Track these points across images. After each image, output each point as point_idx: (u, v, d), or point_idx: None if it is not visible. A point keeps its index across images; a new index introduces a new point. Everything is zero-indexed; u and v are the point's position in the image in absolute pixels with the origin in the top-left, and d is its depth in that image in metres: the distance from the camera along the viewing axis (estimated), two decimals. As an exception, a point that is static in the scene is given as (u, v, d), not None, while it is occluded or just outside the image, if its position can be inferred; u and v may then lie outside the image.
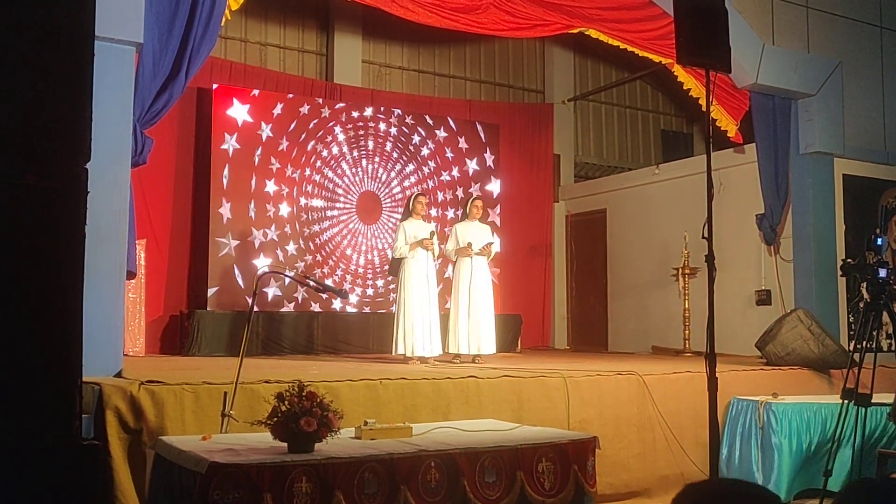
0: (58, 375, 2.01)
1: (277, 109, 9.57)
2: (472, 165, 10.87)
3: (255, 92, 9.49)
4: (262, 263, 9.21)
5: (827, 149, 8.44)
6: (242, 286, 9.07)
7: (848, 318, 8.37)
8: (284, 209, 9.53)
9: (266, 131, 9.46)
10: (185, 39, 5.90)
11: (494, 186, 11.00)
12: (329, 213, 9.87)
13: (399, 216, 9.69)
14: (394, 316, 7.67)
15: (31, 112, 1.98)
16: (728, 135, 8.82)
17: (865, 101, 8.86)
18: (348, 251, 9.95)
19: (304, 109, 9.75)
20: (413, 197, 7.85)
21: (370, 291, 10.00)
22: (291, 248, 9.54)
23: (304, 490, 3.27)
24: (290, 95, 9.75)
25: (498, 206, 10.98)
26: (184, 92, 6.23)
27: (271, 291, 9.28)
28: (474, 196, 8.25)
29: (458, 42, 11.37)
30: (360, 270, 10.00)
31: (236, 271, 9.12)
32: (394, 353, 7.51)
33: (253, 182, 9.32)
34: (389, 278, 9.61)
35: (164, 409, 4.42)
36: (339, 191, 9.96)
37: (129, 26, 5.30)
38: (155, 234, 8.86)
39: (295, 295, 9.44)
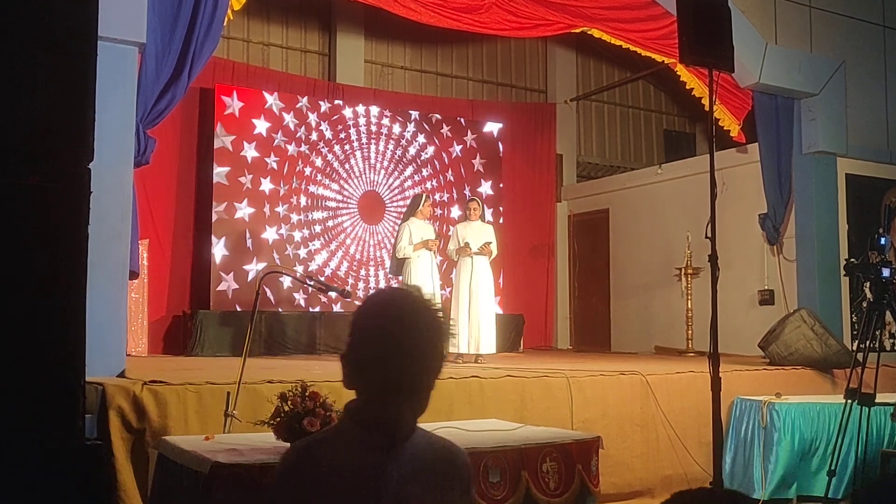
0: (61, 376, 2.01)
1: (279, 109, 9.57)
2: (475, 165, 10.87)
3: (258, 92, 9.49)
4: (264, 263, 9.21)
5: (830, 148, 8.43)
6: (245, 286, 9.07)
7: (851, 317, 8.36)
8: (287, 209, 9.53)
9: (268, 131, 9.46)
10: (187, 40, 5.91)
11: (497, 186, 11.00)
12: (331, 213, 9.87)
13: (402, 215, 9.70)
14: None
15: (34, 113, 1.99)
16: (731, 134, 8.81)
17: (868, 100, 8.84)
18: (351, 250, 9.95)
19: (307, 109, 9.76)
20: (422, 197, 7.85)
21: (372, 290, 9.98)
22: (294, 247, 9.54)
23: (307, 490, 3.26)
24: (293, 95, 9.75)
25: (500, 206, 10.98)
26: (186, 92, 6.23)
27: (274, 291, 9.28)
28: (470, 197, 8.28)
29: (461, 42, 11.37)
30: (363, 270, 10.00)
31: (239, 271, 9.13)
32: None
33: (255, 182, 9.33)
34: (391, 277, 9.61)
35: (167, 409, 4.42)
36: (342, 191, 9.96)
37: (131, 27, 5.31)
38: (158, 234, 8.86)
39: (297, 295, 9.44)
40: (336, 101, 10.04)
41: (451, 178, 10.71)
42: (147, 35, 5.47)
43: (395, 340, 1.58)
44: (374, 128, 10.21)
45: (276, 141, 9.50)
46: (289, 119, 9.61)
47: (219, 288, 8.98)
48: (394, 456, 1.59)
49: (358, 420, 1.62)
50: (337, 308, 9.63)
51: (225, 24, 6.24)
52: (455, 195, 10.69)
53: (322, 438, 1.69)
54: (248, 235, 9.25)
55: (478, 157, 10.89)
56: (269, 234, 9.39)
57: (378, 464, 1.57)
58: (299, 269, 9.39)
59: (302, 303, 9.47)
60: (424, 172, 10.54)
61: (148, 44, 5.55)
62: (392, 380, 1.58)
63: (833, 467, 5.16)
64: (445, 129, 10.71)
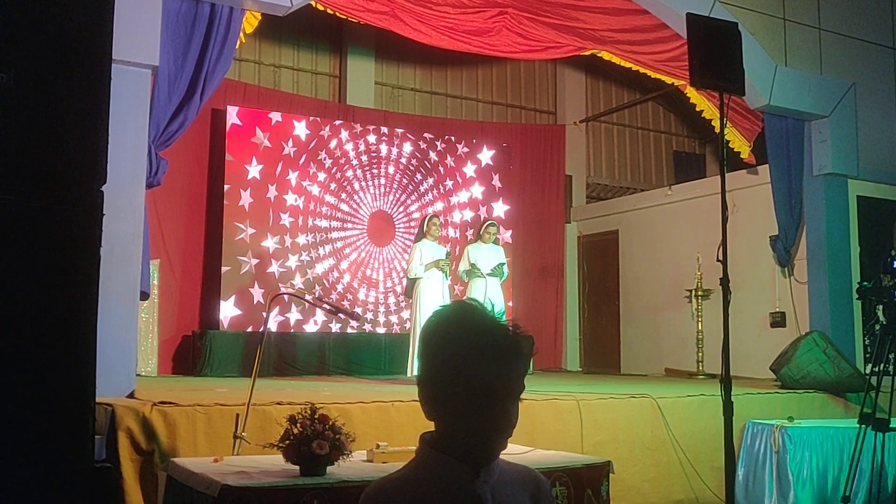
0: (72, 397, 2.01)
1: (290, 131, 9.62)
2: (484, 186, 10.88)
3: (269, 114, 9.55)
4: (274, 284, 9.22)
5: (841, 170, 8.41)
6: (254, 307, 9.08)
7: (864, 340, 8.29)
8: (296, 230, 9.56)
9: (279, 153, 9.50)
10: (200, 62, 5.96)
11: (506, 207, 11.00)
12: (341, 235, 9.89)
13: (411, 237, 9.71)
14: (408, 337, 7.65)
15: (47, 136, 2.00)
16: (741, 156, 8.80)
17: (879, 122, 8.82)
18: (361, 272, 9.95)
19: (318, 131, 9.80)
20: (427, 218, 7.85)
21: (382, 312, 9.98)
22: (303, 268, 9.55)
23: (315, 514, 3.24)
24: (304, 117, 9.80)
25: (510, 227, 10.98)
26: (198, 114, 6.27)
27: (283, 312, 9.28)
28: (489, 221, 8.25)
29: (471, 64, 11.43)
30: (373, 291, 9.99)
31: (248, 292, 9.14)
32: (409, 375, 7.47)
33: (266, 203, 9.36)
34: (402, 299, 9.62)
35: (177, 431, 4.41)
36: (352, 212, 9.98)
37: (145, 49, 5.36)
38: (168, 255, 8.89)
39: (307, 316, 9.43)
40: (346, 123, 10.09)
41: (461, 200, 10.73)
42: (160, 58, 5.52)
43: (462, 347, 1.50)
44: (383, 149, 10.25)
45: (286, 162, 9.54)
46: (299, 141, 9.65)
47: (228, 308, 8.98)
48: (484, 479, 1.51)
49: (441, 448, 1.53)
50: (346, 329, 9.61)
51: (237, 46, 6.29)
52: (465, 216, 10.70)
53: (401, 476, 1.55)
54: (257, 256, 9.26)
55: (487, 178, 10.91)
56: (279, 255, 9.40)
57: (470, 489, 1.50)
58: (312, 289, 9.39)
59: (311, 324, 9.46)
60: (434, 193, 10.56)
61: (161, 66, 5.60)
62: (467, 392, 1.49)
63: (847, 493, 5.10)
64: (455, 151, 10.74)
